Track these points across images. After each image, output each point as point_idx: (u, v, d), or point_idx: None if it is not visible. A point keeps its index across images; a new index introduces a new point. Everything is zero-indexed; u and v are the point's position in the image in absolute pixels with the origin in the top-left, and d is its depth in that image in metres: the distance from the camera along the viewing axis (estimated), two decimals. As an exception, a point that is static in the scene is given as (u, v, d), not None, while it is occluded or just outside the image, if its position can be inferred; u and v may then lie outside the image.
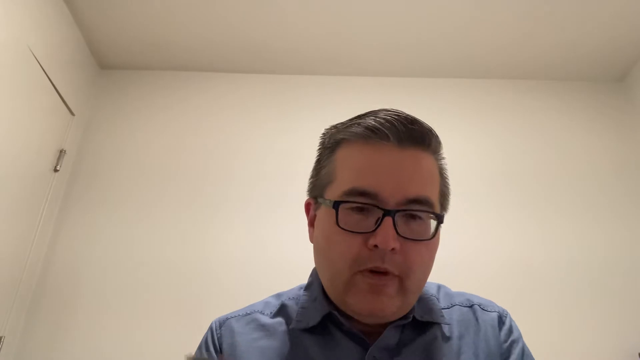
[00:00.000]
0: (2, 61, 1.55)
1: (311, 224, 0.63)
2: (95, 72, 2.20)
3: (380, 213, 0.53)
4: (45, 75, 1.79)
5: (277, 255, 1.81)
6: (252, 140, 2.09)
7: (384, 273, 0.52)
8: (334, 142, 0.61)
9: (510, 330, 0.63)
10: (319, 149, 0.65)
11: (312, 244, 0.62)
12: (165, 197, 1.96)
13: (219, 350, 0.61)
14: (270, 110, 2.17)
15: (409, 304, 0.56)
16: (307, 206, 0.65)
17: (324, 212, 0.58)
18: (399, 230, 0.52)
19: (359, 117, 0.61)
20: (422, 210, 0.55)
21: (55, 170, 1.89)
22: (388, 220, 0.52)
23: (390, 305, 0.53)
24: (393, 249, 0.52)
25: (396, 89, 2.20)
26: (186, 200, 1.95)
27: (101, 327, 1.72)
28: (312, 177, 0.65)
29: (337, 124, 0.63)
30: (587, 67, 2.16)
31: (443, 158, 0.62)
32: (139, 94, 2.20)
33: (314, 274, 0.66)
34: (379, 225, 0.52)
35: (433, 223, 0.56)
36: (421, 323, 0.59)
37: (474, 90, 2.20)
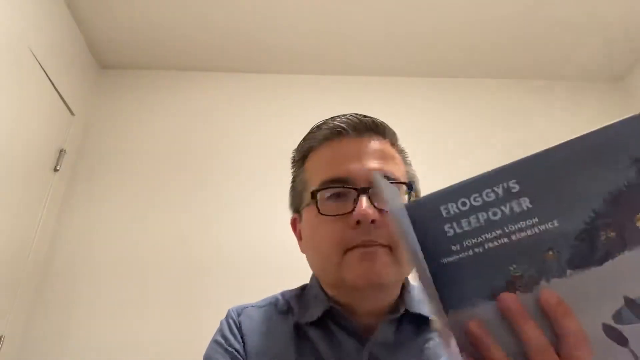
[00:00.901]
0: (2, 61, 1.55)
1: (299, 237, 0.67)
2: (95, 72, 2.20)
3: (354, 194, 0.57)
4: (45, 75, 1.79)
5: (278, 253, 1.81)
6: (252, 139, 2.09)
7: (373, 245, 0.55)
8: (301, 155, 0.68)
9: None
10: (291, 168, 0.70)
11: (305, 254, 0.65)
12: (165, 196, 1.96)
13: (241, 333, 0.63)
14: (270, 110, 2.17)
15: (402, 273, 0.59)
16: (293, 222, 0.69)
17: (307, 212, 0.62)
18: (375, 204, 0.55)
19: (318, 125, 0.67)
20: (391, 182, 0.59)
21: (55, 170, 1.89)
22: (363, 197, 0.56)
23: (386, 271, 0.55)
24: (374, 221, 0.54)
25: (395, 88, 2.20)
26: (186, 200, 1.95)
27: (101, 327, 1.72)
28: (290, 194, 0.70)
29: (300, 142, 0.69)
30: (587, 67, 2.16)
31: (403, 150, 0.67)
32: (139, 94, 2.20)
33: (313, 278, 0.68)
34: (356, 203, 0.56)
35: (405, 197, 0.60)
36: (419, 320, 0.60)
37: (474, 90, 2.21)
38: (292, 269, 1.79)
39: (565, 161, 0.36)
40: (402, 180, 0.61)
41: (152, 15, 1.97)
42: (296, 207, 0.67)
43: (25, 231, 1.74)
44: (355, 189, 0.57)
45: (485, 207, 0.37)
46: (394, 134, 0.66)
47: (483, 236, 0.37)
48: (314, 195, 0.59)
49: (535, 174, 0.37)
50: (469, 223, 0.37)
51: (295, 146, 0.70)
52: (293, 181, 0.69)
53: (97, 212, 1.93)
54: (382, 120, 0.65)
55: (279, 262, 1.80)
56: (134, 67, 2.24)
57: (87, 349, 1.69)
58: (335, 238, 0.56)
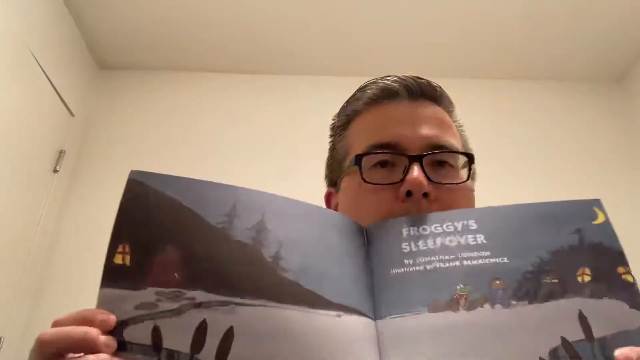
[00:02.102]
0: (2, 62, 1.55)
1: None
2: (94, 73, 2.20)
3: (405, 162, 0.49)
4: (44, 76, 1.79)
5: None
6: (252, 140, 2.09)
7: None
8: (344, 119, 0.60)
9: None
10: (330, 136, 0.63)
11: None
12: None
13: None
14: (270, 110, 2.17)
15: None
16: (328, 197, 0.62)
17: (347, 182, 0.55)
18: (429, 176, 0.48)
19: (365, 85, 0.59)
20: (450, 151, 0.52)
21: (55, 171, 1.88)
22: (415, 165, 0.48)
23: None
24: (426, 195, 0.47)
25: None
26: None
27: (101, 328, 1.72)
28: (327, 164, 0.62)
29: (343, 104, 0.62)
30: (587, 67, 2.16)
31: (459, 119, 0.60)
32: (138, 94, 2.20)
33: None
34: (406, 173, 0.48)
35: (464, 172, 0.53)
36: None
37: (474, 90, 2.20)
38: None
39: (523, 218, 0.40)
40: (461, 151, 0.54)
41: (151, 15, 1.97)
42: (333, 178, 0.60)
43: (25, 232, 1.73)
44: (406, 155, 0.49)
45: (443, 235, 0.41)
46: (451, 103, 0.59)
47: (436, 257, 0.39)
48: (358, 160, 0.51)
49: (494, 221, 0.41)
50: (426, 244, 0.40)
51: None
52: (331, 150, 0.61)
53: (97, 213, 1.93)
54: (439, 85, 0.58)
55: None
56: (133, 68, 2.24)
57: (87, 349, 1.68)
58: (380, 210, 0.48)
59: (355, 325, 0.36)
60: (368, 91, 0.57)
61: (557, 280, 0.37)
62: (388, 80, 0.57)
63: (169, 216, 0.38)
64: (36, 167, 1.77)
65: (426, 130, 0.52)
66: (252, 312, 0.35)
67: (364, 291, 0.38)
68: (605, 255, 0.38)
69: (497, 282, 0.37)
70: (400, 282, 0.38)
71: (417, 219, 0.42)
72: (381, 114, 0.55)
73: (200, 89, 2.21)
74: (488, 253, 0.39)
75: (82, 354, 0.32)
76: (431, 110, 0.56)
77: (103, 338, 0.32)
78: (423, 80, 0.57)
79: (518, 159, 2.04)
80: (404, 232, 0.41)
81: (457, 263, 0.38)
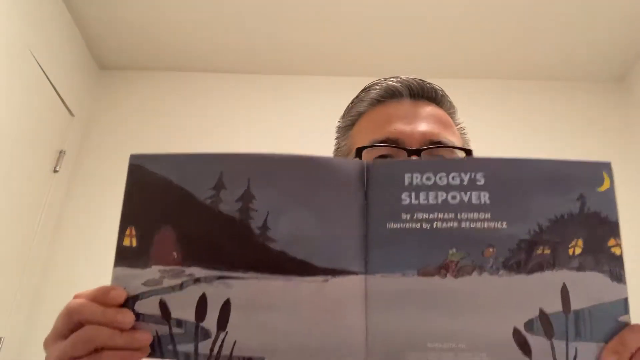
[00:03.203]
0: (2, 62, 1.55)
1: None
2: (94, 73, 2.20)
3: (404, 156, 0.52)
4: (44, 76, 1.79)
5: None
6: (252, 140, 2.09)
7: None
8: (349, 120, 0.62)
9: None
10: (336, 135, 0.65)
11: None
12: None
13: None
14: (270, 111, 2.17)
15: None
16: None
17: None
18: None
19: (368, 86, 0.61)
20: (447, 146, 0.53)
21: (55, 171, 1.89)
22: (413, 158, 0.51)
23: None
24: None
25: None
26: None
27: (101, 328, 1.72)
28: None
29: (347, 106, 0.63)
30: (587, 67, 2.16)
31: (460, 122, 0.62)
32: (138, 94, 2.20)
33: None
34: None
35: None
36: None
37: (473, 90, 2.20)
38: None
39: (531, 176, 0.39)
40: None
41: (151, 16, 1.97)
42: None
43: (25, 232, 1.73)
44: (405, 149, 0.52)
45: (447, 188, 0.39)
46: (452, 105, 0.61)
47: (435, 214, 0.38)
48: (358, 153, 0.54)
49: (503, 176, 0.39)
50: (427, 198, 0.39)
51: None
52: (336, 150, 0.64)
53: (96, 213, 1.93)
54: (441, 87, 0.59)
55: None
56: (133, 68, 2.24)
57: (87, 349, 1.68)
58: None
59: (342, 285, 0.38)
60: (372, 92, 0.60)
61: (549, 252, 0.38)
62: (391, 80, 0.59)
63: (163, 197, 0.40)
64: (36, 167, 1.77)
65: (425, 127, 0.54)
66: (245, 285, 0.38)
67: (357, 246, 0.39)
68: (601, 226, 0.38)
69: (490, 249, 0.38)
70: (395, 239, 0.38)
71: (423, 165, 0.41)
72: (383, 113, 0.57)
73: (200, 89, 2.21)
74: (488, 215, 0.38)
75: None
76: (431, 109, 0.57)
77: (120, 316, 0.37)
78: (425, 82, 0.59)
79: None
80: (407, 179, 0.39)
81: (455, 224, 0.38)
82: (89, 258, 1.84)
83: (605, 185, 0.39)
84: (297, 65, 2.20)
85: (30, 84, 1.71)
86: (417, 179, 0.39)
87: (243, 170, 0.39)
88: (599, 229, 0.38)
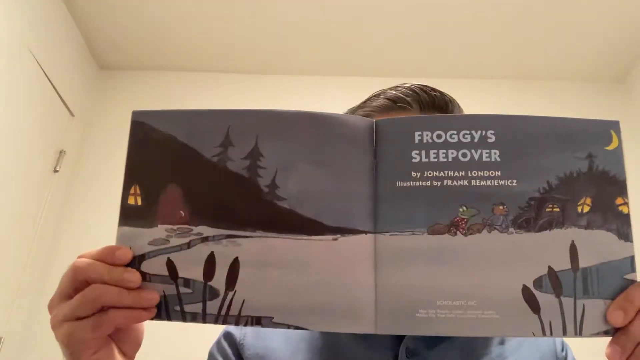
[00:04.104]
0: (2, 62, 1.55)
1: None
2: (94, 73, 2.20)
3: None
4: (44, 76, 1.79)
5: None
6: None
7: None
8: None
9: (563, 344, 0.59)
10: None
11: None
12: (165, 197, 1.96)
13: (242, 337, 0.58)
14: (270, 111, 2.17)
15: None
16: None
17: None
18: None
19: (378, 92, 0.60)
20: None
21: (55, 171, 1.88)
22: None
23: None
24: None
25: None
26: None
27: (101, 328, 1.72)
28: None
29: (356, 105, 0.62)
30: (587, 67, 2.16)
31: None
32: (138, 94, 2.20)
33: None
34: None
35: None
36: None
37: (474, 90, 2.21)
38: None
39: (541, 133, 0.39)
40: None
41: (151, 15, 1.97)
42: None
43: (25, 232, 1.73)
44: None
45: (458, 146, 0.39)
46: (461, 111, 0.61)
47: (445, 172, 0.38)
48: None
49: (513, 133, 0.39)
50: (437, 156, 0.38)
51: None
52: None
53: (97, 213, 1.93)
54: (450, 95, 0.59)
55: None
56: (133, 68, 2.24)
57: (87, 349, 1.68)
58: None
59: (352, 244, 0.38)
60: (380, 99, 0.58)
61: (558, 209, 0.38)
62: (400, 90, 0.57)
63: (167, 154, 0.39)
64: (36, 167, 1.77)
65: None
66: (253, 243, 0.38)
67: (366, 205, 0.38)
68: (609, 185, 0.38)
69: (500, 207, 0.38)
70: (404, 197, 0.38)
71: (434, 122, 0.40)
72: None
73: (200, 89, 2.21)
74: (499, 173, 0.38)
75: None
76: None
77: (127, 274, 0.37)
78: (436, 93, 0.57)
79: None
80: (417, 136, 0.39)
81: (465, 182, 0.38)
82: (89, 258, 1.84)
83: (614, 144, 0.40)
84: (298, 65, 2.20)
85: (30, 84, 1.71)
86: (427, 136, 0.39)
87: (251, 127, 0.39)
88: (607, 188, 0.38)
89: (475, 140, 0.39)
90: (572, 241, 0.37)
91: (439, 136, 0.39)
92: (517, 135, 0.39)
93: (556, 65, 2.16)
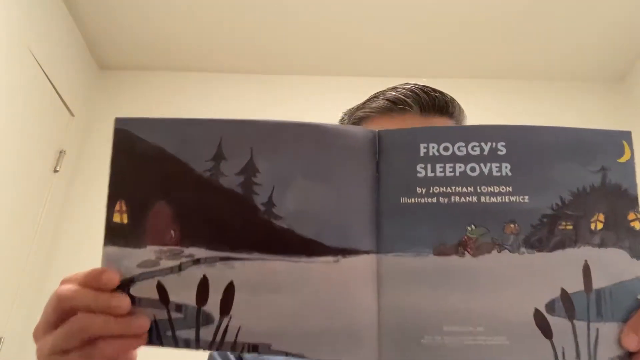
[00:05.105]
0: (2, 62, 1.55)
1: None
2: (94, 73, 2.20)
3: None
4: (44, 76, 1.79)
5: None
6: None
7: None
8: (353, 122, 0.60)
9: None
10: None
11: None
12: (165, 197, 1.96)
13: None
14: (270, 111, 2.17)
15: None
16: None
17: None
18: None
19: (377, 93, 0.59)
20: None
21: (55, 171, 1.88)
22: None
23: None
24: None
25: (396, 89, 2.20)
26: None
27: (101, 328, 1.72)
28: None
29: (355, 105, 0.62)
30: (587, 67, 2.16)
31: None
32: (139, 94, 2.20)
33: None
34: None
35: None
36: None
37: (474, 90, 2.20)
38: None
39: (551, 144, 0.37)
40: None
41: (152, 16, 1.97)
42: None
43: (25, 232, 1.73)
44: None
45: (466, 159, 0.36)
46: (461, 111, 0.60)
47: (453, 188, 0.36)
48: None
49: (524, 145, 0.37)
50: (444, 170, 0.36)
51: None
52: None
53: (97, 213, 1.93)
54: (451, 95, 0.58)
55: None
56: (133, 68, 2.24)
57: (87, 349, 1.68)
58: None
59: (354, 266, 0.35)
60: (379, 100, 0.57)
61: (571, 227, 0.36)
62: (400, 91, 0.57)
63: (155, 167, 0.36)
64: (36, 167, 1.77)
65: None
66: (249, 266, 0.35)
67: (369, 222, 0.36)
68: (621, 200, 0.36)
69: (512, 225, 0.36)
70: (409, 215, 0.35)
71: (441, 133, 0.37)
72: (390, 126, 0.55)
73: (200, 89, 2.21)
74: (510, 189, 0.35)
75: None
76: (441, 124, 0.56)
77: (115, 300, 0.34)
78: (436, 93, 0.57)
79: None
80: (422, 148, 0.36)
81: (474, 199, 0.35)
82: (89, 258, 1.84)
83: (626, 156, 0.37)
84: (298, 65, 2.20)
85: (30, 84, 1.71)
86: (433, 149, 0.36)
87: (245, 139, 0.36)
88: (619, 202, 0.36)
89: (485, 153, 0.36)
90: (586, 261, 0.35)
91: (446, 149, 0.36)
92: (528, 147, 0.36)
93: (556, 65, 2.16)
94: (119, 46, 2.12)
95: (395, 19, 1.95)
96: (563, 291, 0.35)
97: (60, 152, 1.92)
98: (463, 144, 0.36)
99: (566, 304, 0.35)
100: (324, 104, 2.15)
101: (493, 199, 0.36)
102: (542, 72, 2.20)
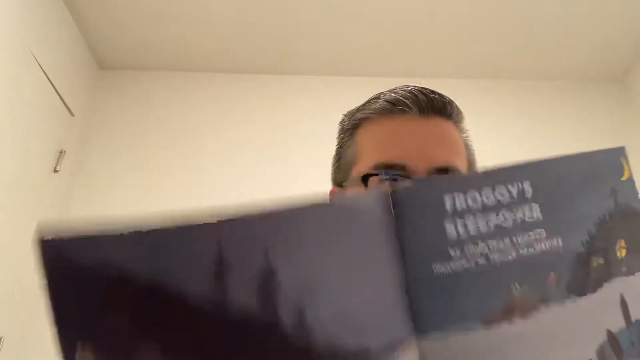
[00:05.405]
0: (2, 62, 1.55)
1: None
2: (95, 73, 2.20)
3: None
4: (44, 76, 1.79)
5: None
6: (252, 140, 2.09)
7: None
8: (353, 123, 0.61)
9: None
10: (338, 134, 0.64)
11: None
12: (165, 197, 1.96)
13: None
14: (270, 111, 2.17)
15: None
16: (332, 195, 0.64)
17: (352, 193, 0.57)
18: None
19: (377, 95, 0.60)
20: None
21: (55, 171, 1.88)
22: None
23: None
24: None
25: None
26: (186, 199, 1.95)
27: (101, 328, 1.72)
28: (333, 164, 0.64)
29: (355, 107, 0.63)
30: (587, 67, 2.16)
31: (466, 130, 0.62)
32: (139, 94, 2.20)
33: None
34: None
35: None
36: None
37: (473, 90, 2.21)
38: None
39: (570, 175, 0.33)
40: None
41: (152, 15, 1.97)
42: (338, 180, 0.62)
43: (26, 232, 1.73)
44: (412, 178, 0.52)
45: (497, 207, 0.31)
46: (459, 113, 0.60)
47: (490, 245, 0.30)
48: (365, 179, 0.54)
49: (548, 181, 0.32)
50: (477, 225, 0.30)
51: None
52: (339, 150, 0.63)
53: (97, 213, 1.93)
54: (449, 97, 0.59)
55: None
56: (133, 68, 2.24)
57: (87, 349, 1.68)
58: None
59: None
60: (379, 101, 0.58)
61: (603, 262, 0.32)
62: (399, 92, 0.57)
63: (122, 297, 0.23)
64: (36, 167, 1.77)
65: (432, 151, 0.54)
66: None
67: (401, 304, 0.29)
68: (634, 219, 0.34)
69: (552, 274, 0.31)
70: (447, 286, 0.30)
71: (464, 180, 0.32)
72: (390, 129, 0.57)
73: (200, 89, 2.21)
74: (544, 233, 0.31)
75: None
76: (440, 128, 0.57)
77: None
78: (435, 95, 0.57)
79: (517, 158, 2.04)
80: (448, 202, 0.30)
81: (514, 254, 0.30)
82: (89, 258, 1.84)
83: (627, 173, 0.35)
84: (298, 65, 2.20)
85: (30, 84, 1.71)
86: (460, 200, 0.30)
87: (254, 240, 0.25)
88: (634, 223, 0.34)
89: (514, 196, 0.31)
90: (621, 294, 0.32)
91: (473, 199, 0.30)
92: (551, 183, 0.33)
93: (556, 65, 2.16)
94: (119, 46, 2.12)
95: (395, 19, 1.95)
96: (609, 333, 0.32)
97: (60, 152, 1.91)
98: (489, 189, 0.31)
99: (614, 346, 0.32)
100: (324, 104, 2.15)
101: (532, 250, 0.31)
102: (542, 72, 2.20)
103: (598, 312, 0.32)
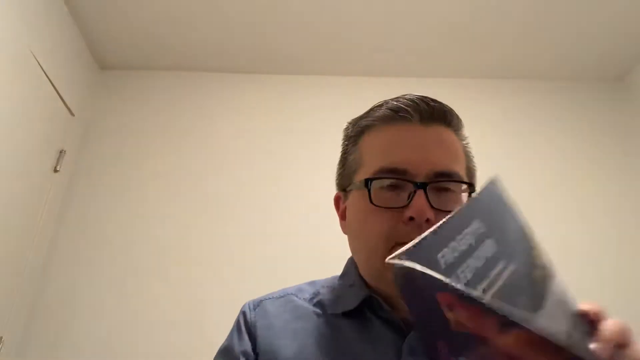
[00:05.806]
0: (2, 62, 1.55)
1: (342, 216, 0.65)
2: (95, 73, 2.20)
3: (411, 187, 0.54)
4: (45, 76, 1.79)
5: (279, 250, 1.81)
6: (252, 140, 2.09)
7: None
8: (357, 130, 0.64)
9: None
10: (343, 141, 0.67)
11: (346, 235, 0.63)
12: (165, 197, 1.96)
13: (252, 333, 0.60)
14: (270, 111, 2.17)
15: None
16: (337, 200, 0.67)
17: (356, 197, 0.60)
18: (431, 202, 0.53)
19: (380, 103, 0.63)
20: (452, 180, 0.56)
21: (55, 171, 1.89)
22: (420, 192, 0.53)
23: None
24: (428, 220, 0.52)
25: (396, 89, 2.20)
26: (186, 201, 1.95)
27: (101, 327, 1.72)
28: (338, 169, 0.67)
29: (358, 115, 0.65)
30: (587, 67, 2.16)
31: (466, 137, 0.64)
32: (139, 94, 2.20)
33: (349, 264, 0.66)
34: (411, 198, 0.53)
35: (464, 196, 0.57)
36: None
37: (473, 90, 2.20)
38: (294, 265, 1.79)
39: (494, 203, 0.36)
40: (464, 179, 0.58)
41: (151, 15, 1.97)
42: (343, 185, 0.64)
43: (26, 232, 1.73)
44: (413, 182, 0.54)
45: (470, 251, 0.31)
46: (459, 121, 0.63)
47: (489, 275, 0.31)
48: (367, 183, 0.56)
49: (489, 211, 0.34)
50: (469, 268, 0.30)
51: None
52: (343, 157, 0.65)
53: (97, 213, 1.93)
54: (449, 106, 0.61)
55: (281, 258, 1.80)
56: (133, 68, 2.24)
57: (87, 349, 1.69)
58: (384, 230, 0.54)
59: None
60: (382, 109, 0.61)
61: (543, 270, 0.35)
62: (401, 101, 0.60)
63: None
64: (36, 167, 1.77)
65: (433, 157, 0.57)
66: None
67: None
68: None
69: (523, 297, 0.33)
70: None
71: (443, 235, 0.32)
72: (392, 135, 0.59)
73: (200, 89, 2.21)
74: (505, 263, 0.33)
75: None
76: (440, 135, 0.59)
77: None
78: (435, 104, 0.60)
79: (517, 158, 2.04)
80: (441, 260, 0.30)
81: (500, 283, 0.32)
82: (89, 258, 1.85)
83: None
84: (298, 65, 2.20)
85: (31, 84, 1.71)
86: (448, 254, 0.30)
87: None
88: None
89: (475, 236, 0.32)
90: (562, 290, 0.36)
91: (453, 249, 0.31)
92: (492, 213, 0.34)
93: (556, 65, 2.16)
94: (119, 46, 2.12)
95: (396, 19, 1.95)
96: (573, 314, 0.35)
97: (60, 152, 1.92)
98: (460, 236, 0.32)
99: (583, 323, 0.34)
100: (324, 104, 2.15)
101: (500, 282, 0.31)
102: (543, 72, 2.20)
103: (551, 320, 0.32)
